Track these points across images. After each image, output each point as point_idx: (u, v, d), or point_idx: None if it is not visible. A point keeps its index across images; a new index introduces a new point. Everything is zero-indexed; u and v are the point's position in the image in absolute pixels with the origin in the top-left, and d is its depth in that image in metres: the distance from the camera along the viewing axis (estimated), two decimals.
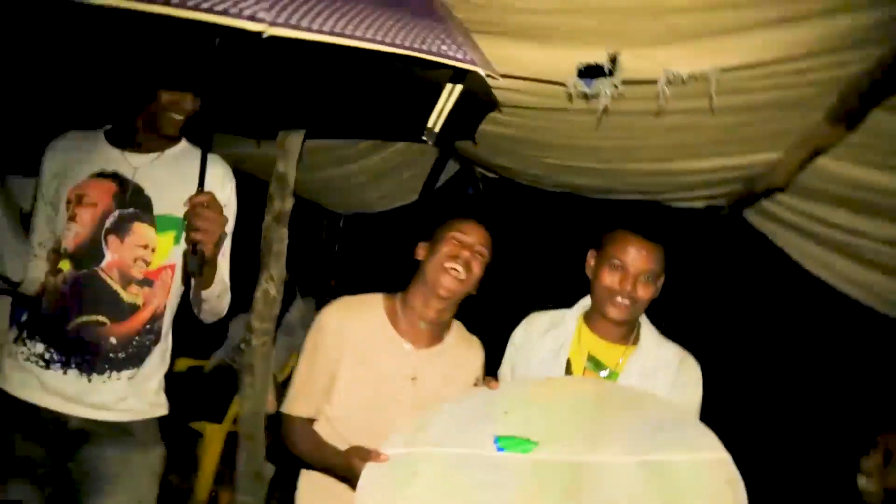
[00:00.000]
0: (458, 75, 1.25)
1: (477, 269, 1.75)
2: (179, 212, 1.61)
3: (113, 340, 1.72)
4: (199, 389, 3.84)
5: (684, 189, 2.86)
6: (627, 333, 1.82)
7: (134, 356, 1.75)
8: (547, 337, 1.89)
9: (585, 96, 1.77)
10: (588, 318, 1.85)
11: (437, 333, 1.82)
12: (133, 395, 1.76)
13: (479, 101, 2.04)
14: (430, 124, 1.32)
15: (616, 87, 1.69)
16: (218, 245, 1.63)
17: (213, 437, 3.73)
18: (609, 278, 1.73)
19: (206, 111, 1.77)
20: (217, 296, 1.79)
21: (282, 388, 3.34)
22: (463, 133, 2.58)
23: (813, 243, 2.83)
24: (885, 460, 1.67)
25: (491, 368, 1.92)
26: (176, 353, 1.91)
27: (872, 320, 2.96)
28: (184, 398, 3.62)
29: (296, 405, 1.76)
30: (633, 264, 1.71)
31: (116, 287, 1.73)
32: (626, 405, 1.64)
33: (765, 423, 4.19)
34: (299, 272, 4.03)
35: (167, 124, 1.76)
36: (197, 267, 1.57)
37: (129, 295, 1.73)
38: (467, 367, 1.85)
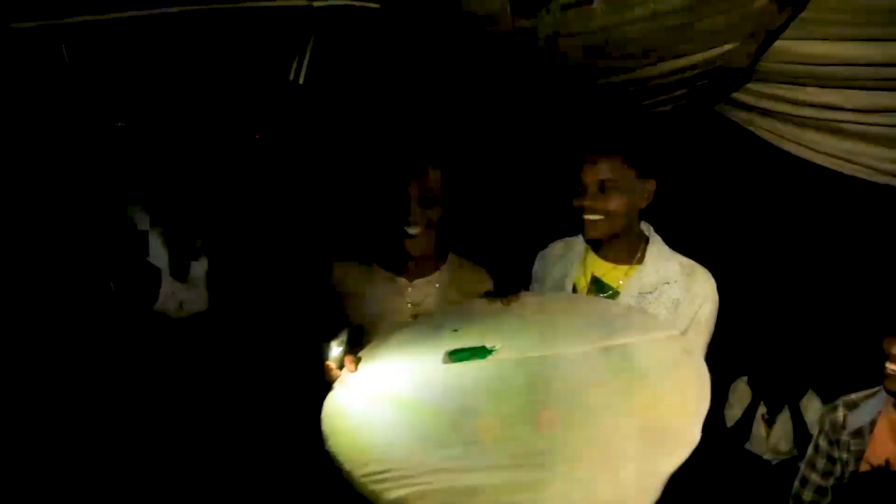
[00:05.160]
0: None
1: (436, 214, 1.74)
2: None
3: None
4: None
5: (650, 95, 2.84)
6: (631, 253, 1.83)
7: None
8: (559, 263, 1.94)
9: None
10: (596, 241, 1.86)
11: (429, 264, 1.84)
12: None
13: None
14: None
15: (555, 14, 1.68)
16: None
17: None
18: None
19: None
20: None
21: None
22: None
23: (786, 124, 2.81)
24: None
25: None
26: None
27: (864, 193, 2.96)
28: None
29: None
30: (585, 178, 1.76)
31: None
32: (568, 309, 1.70)
33: (782, 310, 4.13)
34: None
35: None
36: None
37: None
38: (474, 293, 1.84)
